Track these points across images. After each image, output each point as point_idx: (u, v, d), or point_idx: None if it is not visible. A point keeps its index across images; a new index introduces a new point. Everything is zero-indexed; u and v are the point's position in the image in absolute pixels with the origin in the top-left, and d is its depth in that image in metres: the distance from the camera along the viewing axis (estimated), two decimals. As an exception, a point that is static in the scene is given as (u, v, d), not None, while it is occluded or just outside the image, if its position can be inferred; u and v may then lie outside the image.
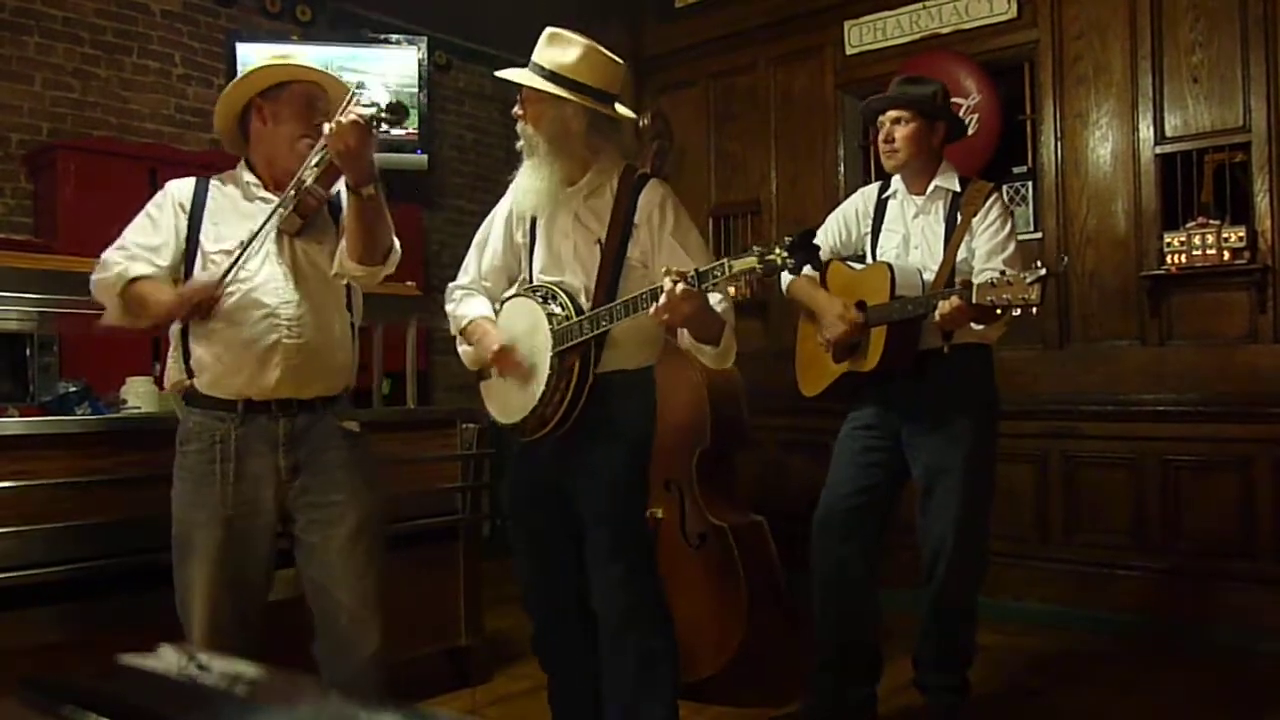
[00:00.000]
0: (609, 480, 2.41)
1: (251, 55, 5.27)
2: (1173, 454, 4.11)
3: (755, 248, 2.03)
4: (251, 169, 2.43)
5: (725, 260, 2.08)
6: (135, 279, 2.28)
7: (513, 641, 3.61)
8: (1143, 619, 4.08)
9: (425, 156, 5.80)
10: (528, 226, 2.54)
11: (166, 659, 0.93)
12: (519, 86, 2.39)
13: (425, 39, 5.83)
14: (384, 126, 2.20)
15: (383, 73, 5.64)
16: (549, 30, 2.40)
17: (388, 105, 2.21)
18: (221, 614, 2.28)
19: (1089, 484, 4.31)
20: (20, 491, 2.51)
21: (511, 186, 2.53)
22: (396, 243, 2.41)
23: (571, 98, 2.33)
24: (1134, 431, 4.18)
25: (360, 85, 2.39)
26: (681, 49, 5.64)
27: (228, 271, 2.26)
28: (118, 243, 2.35)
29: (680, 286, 2.10)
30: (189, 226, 2.35)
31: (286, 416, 2.32)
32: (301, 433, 2.34)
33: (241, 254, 2.27)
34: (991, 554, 3.06)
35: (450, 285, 2.64)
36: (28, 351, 3.90)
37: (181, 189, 2.40)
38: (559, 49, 2.36)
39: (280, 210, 2.29)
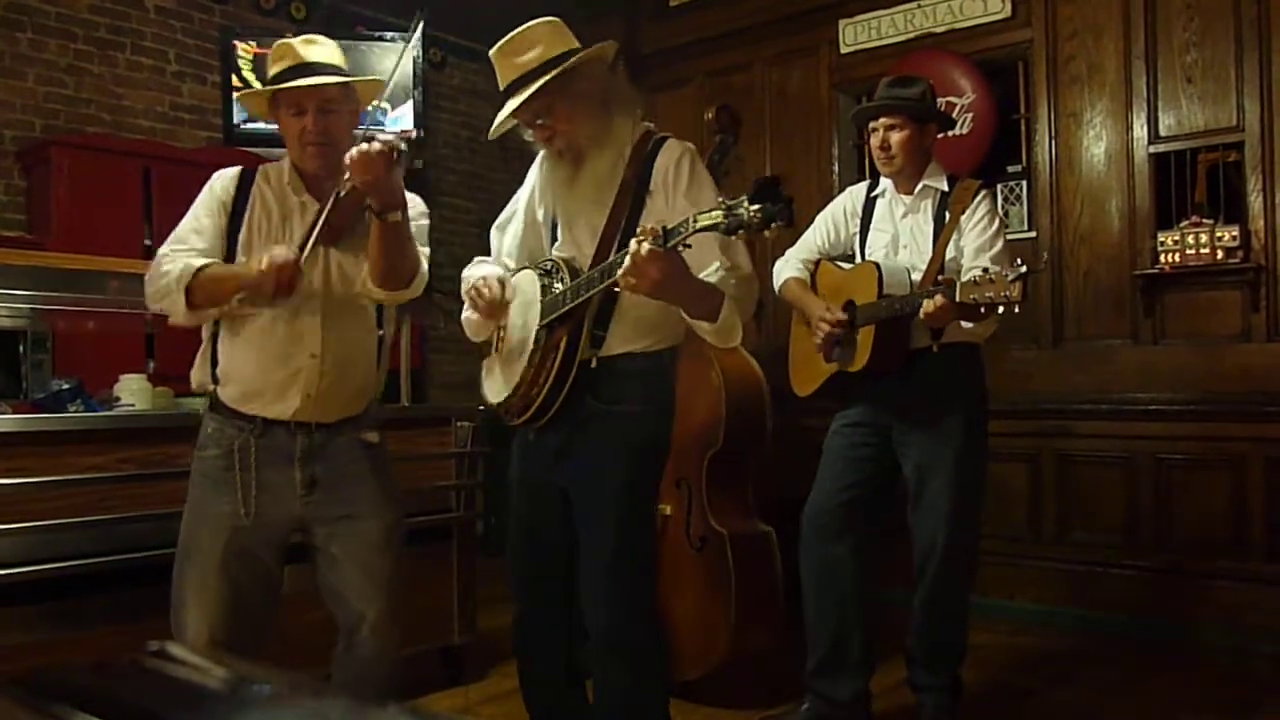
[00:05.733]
0: (609, 483, 2.21)
1: (245, 52, 5.29)
2: (1165, 453, 4.11)
3: (723, 200, 1.84)
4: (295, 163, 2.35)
5: (691, 215, 1.87)
6: (202, 268, 2.19)
7: (506, 639, 3.56)
8: (1135, 618, 4.09)
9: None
10: (550, 203, 2.37)
11: (158, 657, 0.93)
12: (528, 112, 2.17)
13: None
14: (405, 160, 2.13)
15: (378, 70, 5.62)
16: (492, 53, 2.21)
17: (411, 141, 2.16)
18: (217, 619, 2.24)
19: (1082, 483, 4.32)
20: (13, 489, 2.51)
21: (536, 163, 2.37)
22: (424, 266, 2.34)
23: (583, 65, 2.16)
24: (1127, 430, 4.19)
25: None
26: (676, 47, 5.63)
27: (305, 243, 2.18)
28: (169, 244, 2.27)
29: (645, 247, 1.88)
30: (229, 228, 2.29)
31: (304, 433, 2.27)
32: (319, 448, 2.29)
33: (309, 240, 2.19)
34: (983, 553, 3.07)
35: (477, 259, 2.52)
36: (21, 348, 3.89)
37: (225, 185, 2.32)
38: (519, 53, 2.17)
39: (318, 225, 2.21)
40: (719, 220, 1.80)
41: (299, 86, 2.21)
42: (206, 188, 2.34)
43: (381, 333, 2.40)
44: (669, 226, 1.89)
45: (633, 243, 1.91)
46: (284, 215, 2.30)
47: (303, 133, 2.25)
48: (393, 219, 2.16)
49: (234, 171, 2.35)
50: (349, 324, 2.31)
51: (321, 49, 2.29)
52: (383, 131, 2.18)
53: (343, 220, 2.26)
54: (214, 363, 2.30)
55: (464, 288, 2.42)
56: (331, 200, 2.22)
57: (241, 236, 2.28)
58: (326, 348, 2.25)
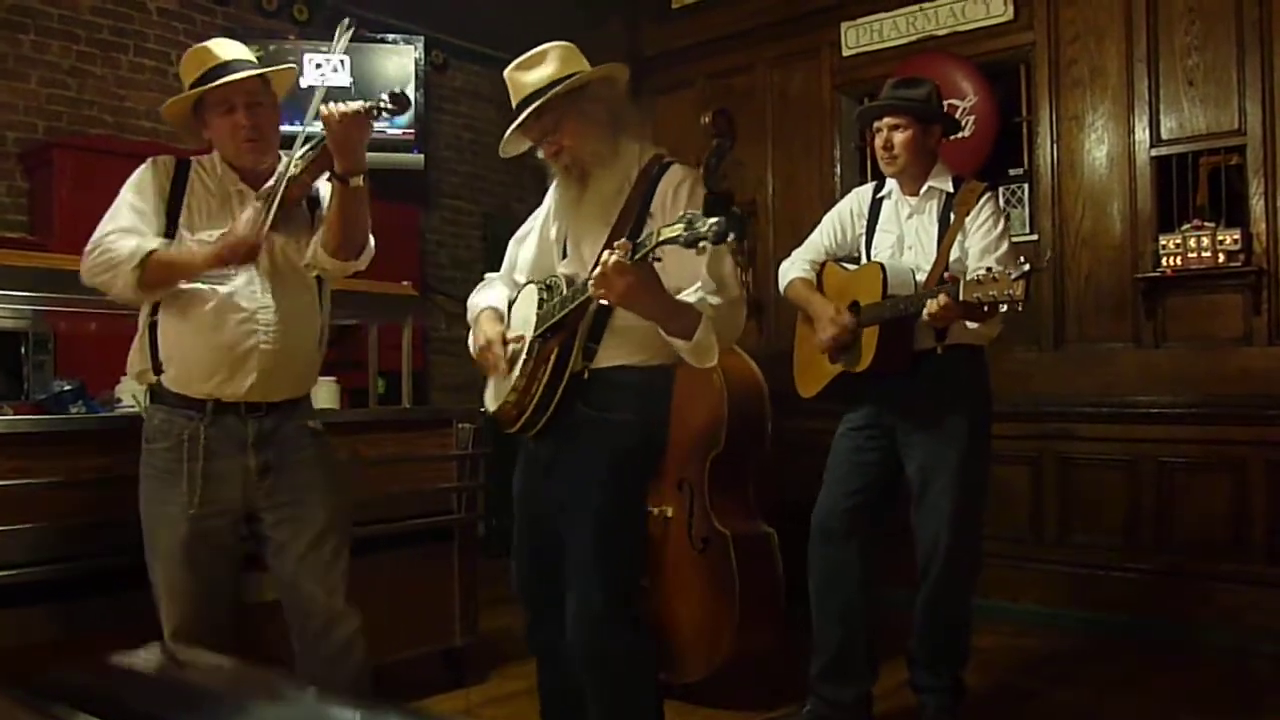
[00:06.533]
0: (593, 491, 2.21)
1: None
2: (1167, 456, 4.11)
3: (687, 213, 1.86)
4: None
5: (657, 228, 1.91)
6: (153, 250, 2.23)
7: (508, 641, 3.60)
8: (1136, 620, 4.09)
9: (421, 156, 5.79)
10: (561, 222, 2.39)
11: (157, 658, 0.93)
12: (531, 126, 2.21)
13: (422, 39, 5.82)
14: (385, 116, 2.23)
15: (379, 72, 5.63)
16: (506, 72, 2.25)
17: (390, 95, 2.22)
18: (189, 611, 2.28)
19: (1083, 485, 4.32)
20: (14, 490, 2.50)
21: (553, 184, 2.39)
22: (371, 240, 2.42)
23: (591, 85, 2.19)
24: (1128, 433, 4.19)
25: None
26: (678, 50, 5.64)
27: (267, 212, 2.23)
28: (110, 224, 2.28)
29: (614, 258, 1.92)
30: (168, 211, 2.33)
31: (255, 417, 2.32)
32: (270, 433, 2.34)
33: (271, 206, 2.24)
34: (985, 554, 3.07)
35: (488, 275, 2.56)
36: (22, 349, 3.89)
37: (162, 170, 2.37)
38: (530, 71, 2.20)
39: (273, 203, 2.25)
40: (679, 233, 1.82)
41: (230, 81, 2.29)
42: (143, 170, 2.37)
43: (323, 322, 2.47)
44: (637, 240, 1.94)
45: (605, 252, 1.98)
46: (223, 200, 2.37)
47: (236, 129, 2.32)
48: (355, 184, 2.24)
49: (170, 158, 2.40)
50: (295, 306, 2.37)
51: (234, 47, 2.40)
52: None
53: (298, 193, 2.32)
54: (154, 347, 2.31)
55: (470, 314, 2.46)
56: (281, 179, 2.27)
57: (183, 219, 2.33)
58: (276, 326, 2.31)
